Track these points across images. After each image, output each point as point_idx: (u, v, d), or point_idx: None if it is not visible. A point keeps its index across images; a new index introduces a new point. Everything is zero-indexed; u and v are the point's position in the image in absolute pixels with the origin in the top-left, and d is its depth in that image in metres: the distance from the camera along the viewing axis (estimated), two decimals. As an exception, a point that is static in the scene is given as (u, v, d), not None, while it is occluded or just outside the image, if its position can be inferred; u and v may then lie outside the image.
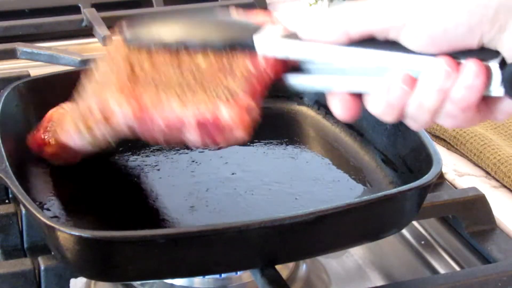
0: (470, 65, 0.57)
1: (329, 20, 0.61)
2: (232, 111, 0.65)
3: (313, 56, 0.63)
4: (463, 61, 0.58)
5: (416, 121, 0.61)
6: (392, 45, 0.60)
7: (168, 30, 0.69)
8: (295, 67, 0.67)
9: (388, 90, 0.60)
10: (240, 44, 0.65)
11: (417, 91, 0.59)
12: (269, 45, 0.64)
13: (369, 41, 0.60)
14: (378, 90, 0.61)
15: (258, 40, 0.65)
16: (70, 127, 0.73)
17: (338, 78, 0.63)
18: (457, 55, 0.58)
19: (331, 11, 0.61)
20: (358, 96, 0.63)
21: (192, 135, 0.66)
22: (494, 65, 0.57)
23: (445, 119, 0.60)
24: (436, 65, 0.58)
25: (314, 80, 0.65)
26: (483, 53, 0.58)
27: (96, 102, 0.69)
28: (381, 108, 0.61)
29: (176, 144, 0.69)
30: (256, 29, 0.65)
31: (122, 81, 0.68)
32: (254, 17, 0.68)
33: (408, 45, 0.59)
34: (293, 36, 0.64)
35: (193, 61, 0.68)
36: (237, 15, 0.69)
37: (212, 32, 0.67)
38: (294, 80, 0.66)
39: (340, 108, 0.63)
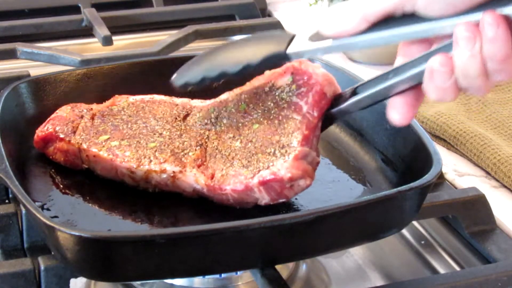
0: (487, 19, 0.57)
1: (345, 11, 0.62)
2: (289, 165, 0.71)
3: (341, 49, 0.65)
4: (480, 16, 0.58)
5: (475, 90, 0.61)
6: (411, 18, 0.60)
7: (208, 65, 0.71)
8: (337, 99, 0.72)
9: (431, 77, 0.61)
10: (276, 59, 0.68)
11: (456, 67, 0.60)
12: (302, 52, 0.67)
13: (388, 21, 0.62)
14: (423, 80, 0.62)
15: (291, 51, 0.67)
16: (124, 159, 0.76)
17: (381, 88, 0.66)
18: (477, 10, 0.58)
19: (346, 3, 0.62)
20: (411, 97, 0.64)
21: (260, 195, 0.72)
22: (509, 10, 0.57)
23: (498, 76, 0.60)
24: (457, 36, 0.59)
25: (358, 101, 0.69)
26: (501, 2, 0.58)
27: (173, 161, 0.75)
28: (435, 94, 0.62)
29: (247, 205, 0.73)
30: (286, 39, 0.68)
31: (199, 155, 0.75)
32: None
33: (426, 14, 0.59)
34: (319, 37, 0.66)
35: (250, 128, 0.74)
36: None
37: (247, 55, 0.69)
38: (340, 109, 0.72)
39: (398, 113, 0.65)
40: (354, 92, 0.70)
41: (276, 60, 0.68)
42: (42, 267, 0.71)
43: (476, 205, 0.82)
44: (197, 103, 0.82)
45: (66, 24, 1.22)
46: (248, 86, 0.78)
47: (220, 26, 1.19)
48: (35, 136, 0.81)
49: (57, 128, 0.80)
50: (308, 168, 0.72)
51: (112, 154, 0.76)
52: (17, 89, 0.85)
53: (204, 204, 0.75)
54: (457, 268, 0.81)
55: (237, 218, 0.67)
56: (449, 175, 0.93)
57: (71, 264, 0.67)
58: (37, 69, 1.06)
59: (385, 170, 0.80)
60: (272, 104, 0.75)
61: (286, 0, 1.44)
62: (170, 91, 0.87)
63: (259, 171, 0.72)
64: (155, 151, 0.76)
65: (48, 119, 0.82)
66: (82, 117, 0.81)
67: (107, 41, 1.13)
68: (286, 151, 0.72)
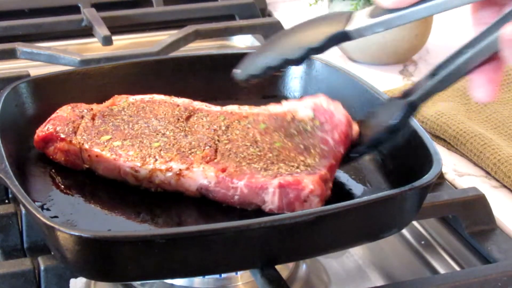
0: None
1: None
2: (314, 179, 0.71)
3: (400, 22, 0.65)
4: None
5: None
6: None
7: (270, 54, 0.70)
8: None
9: (509, 44, 0.60)
10: (337, 38, 0.67)
11: None
12: (361, 29, 0.66)
13: None
14: (501, 48, 0.61)
15: (351, 28, 0.67)
16: (128, 158, 0.75)
17: (460, 64, 0.65)
18: None
19: None
20: (491, 71, 0.63)
21: (271, 199, 0.71)
22: None
23: None
24: None
25: (440, 81, 0.67)
26: None
27: (179, 159, 0.74)
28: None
29: (248, 206, 0.73)
30: (344, 17, 0.67)
31: (208, 153, 0.75)
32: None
33: None
34: (378, 12, 0.66)
35: (272, 144, 0.74)
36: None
37: (308, 39, 0.68)
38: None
39: (483, 92, 0.63)
40: (433, 74, 0.68)
41: (338, 40, 0.67)
42: (42, 267, 0.71)
43: (476, 205, 0.82)
44: (201, 105, 0.82)
45: (66, 24, 1.22)
46: (264, 110, 0.79)
47: (220, 26, 1.19)
48: (35, 136, 0.81)
49: (57, 128, 0.80)
50: (325, 192, 0.72)
51: (115, 154, 0.76)
52: (17, 89, 0.85)
53: (207, 205, 0.75)
54: (457, 268, 0.81)
55: (238, 219, 0.67)
56: (449, 175, 0.93)
57: (71, 264, 0.67)
58: (37, 69, 1.07)
59: (385, 170, 0.80)
60: (296, 132, 0.76)
61: (286, 0, 1.44)
62: (170, 90, 0.87)
63: (281, 174, 0.71)
64: (160, 150, 0.76)
65: (49, 119, 0.82)
66: (82, 117, 0.81)
67: (107, 41, 1.13)
68: (311, 169, 0.72)
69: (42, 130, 0.80)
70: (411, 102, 0.69)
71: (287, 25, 1.24)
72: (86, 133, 0.79)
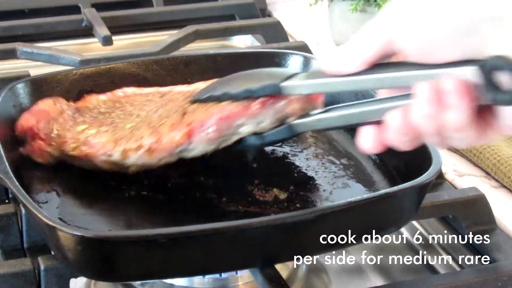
0: (448, 85, 0.57)
1: (346, 51, 0.63)
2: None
3: (329, 89, 0.66)
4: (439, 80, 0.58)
5: (435, 143, 0.61)
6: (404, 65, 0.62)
7: (219, 85, 0.76)
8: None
9: (387, 128, 0.62)
10: (270, 89, 0.71)
11: (411, 121, 0.60)
12: (293, 86, 0.69)
13: (385, 65, 0.63)
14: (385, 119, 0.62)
15: (284, 84, 0.70)
16: (101, 145, 0.75)
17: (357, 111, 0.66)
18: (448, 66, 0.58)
19: (348, 42, 0.64)
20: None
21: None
22: (472, 71, 0.57)
23: (453, 142, 0.60)
24: (417, 93, 0.59)
25: (325, 119, 0.69)
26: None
27: (150, 134, 0.74)
28: (392, 141, 0.62)
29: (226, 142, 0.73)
30: (285, 74, 0.71)
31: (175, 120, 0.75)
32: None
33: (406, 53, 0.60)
34: (315, 74, 0.68)
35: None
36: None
37: (250, 82, 0.73)
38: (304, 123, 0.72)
39: (368, 141, 0.64)
40: (325, 110, 0.71)
41: (271, 91, 0.71)
42: (42, 267, 0.71)
43: (476, 205, 0.82)
44: (170, 88, 0.83)
45: (66, 24, 1.22)
46: None
47: (220, 26, 1.19)
48: (18, 123, 0.80)
49: (40, 125, 0.79)
50: None
51: (88, 147, 0.76)
52: (15, 89, 0.85)
53: (206, 205, 0.75)
54: (457, 268, 0.81)
55: (239, 219, 0.67)
56: (449, 175, 0.93)
57: (72, 264, 0.67)
58: (37, 69, 1.06)
59: (384, 169, 0.80)
60: None
61: (286, 0, 1.44)
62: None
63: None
64: (132, 130, 0.76)
65: (32, 108, 0.81)
66: (61, 112, 0.81)
67: (107, 41, 1.13)
68: None
69: (25, 120, 0.80)
70: (291, 125, 0.72)
71: (287, 25, 1.24)
72: (61, 127, 0.79)
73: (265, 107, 0.71)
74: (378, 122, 0.63)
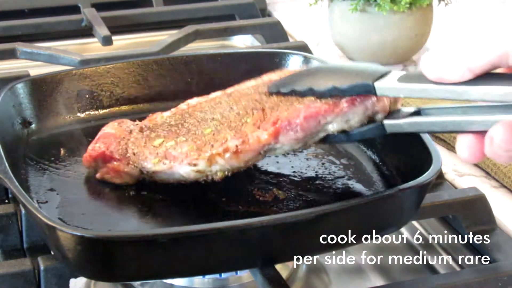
0: None
1: (451, 58, 0.60)
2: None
3: (434, 97, 0.63)
4: None
5: None
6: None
7: (301, 79, 0.73)
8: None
9: (491, 143, 0.58)
10: (363, 89, 0.68)
11: None
12: (390, 90, 0.66)
13: (492, 76, 0.60)
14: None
15: (378, 87, 0.67)
16: (184, 155, 0.73)
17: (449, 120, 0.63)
18: None
19: (451, 49, 0.61)
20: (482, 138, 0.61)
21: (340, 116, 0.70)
22: None
23: None
24: None
25: (418, 123, 0.66)
26: None
27: (234, 135, 0.72)
28: (493, 157, 0.59)
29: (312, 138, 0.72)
30: (378, 73, 0.68)
31: (257, 116, 0.73)
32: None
33: None
34: (412, 77, 0.65)
35: None
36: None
37: (337, 79, 0.70)
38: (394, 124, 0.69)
39: (467, 151, 0.61)
40: (418, 112, 0.68)
41: (363, 90, 0.68)
42: (41, 267, 0.71)
43: (476, 205, 0.82)
44: (235, 88, 0.80)
45: (66, 24, 1.22)
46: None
47: (220, 26, 1.19)
48: (86, 155, 0.78)
49: (111, 148, 0.77)
50: None
51: (169, 160, 0.74)
52: (14, 89, 0.85)
53: (207, 205, 0.75)
54: (457, 268, 0.81)
55: (238, 218, 0.67)
56: (449, 175, 0.93)
57: (71, 264, 0.67)
58: (37, 69, 1.06)
59: (385, 169, 0.80)
60: None
61: (286, 0, 1.44)
62: (169, 90, 0.87)
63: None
64: (213, 134, 0.73)
65: (97, 136, 0.79)
66: (131, 132, 0.79)
67: (107, 41, 1.13)
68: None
69: (94, 149, 0.77)
70: (383, 125, 0.69)
71: (287, 25, 1.24)
72: (136, 145, 0.77)
73: (354, 105, 0.69)
74: (479, 132, 0.60)
